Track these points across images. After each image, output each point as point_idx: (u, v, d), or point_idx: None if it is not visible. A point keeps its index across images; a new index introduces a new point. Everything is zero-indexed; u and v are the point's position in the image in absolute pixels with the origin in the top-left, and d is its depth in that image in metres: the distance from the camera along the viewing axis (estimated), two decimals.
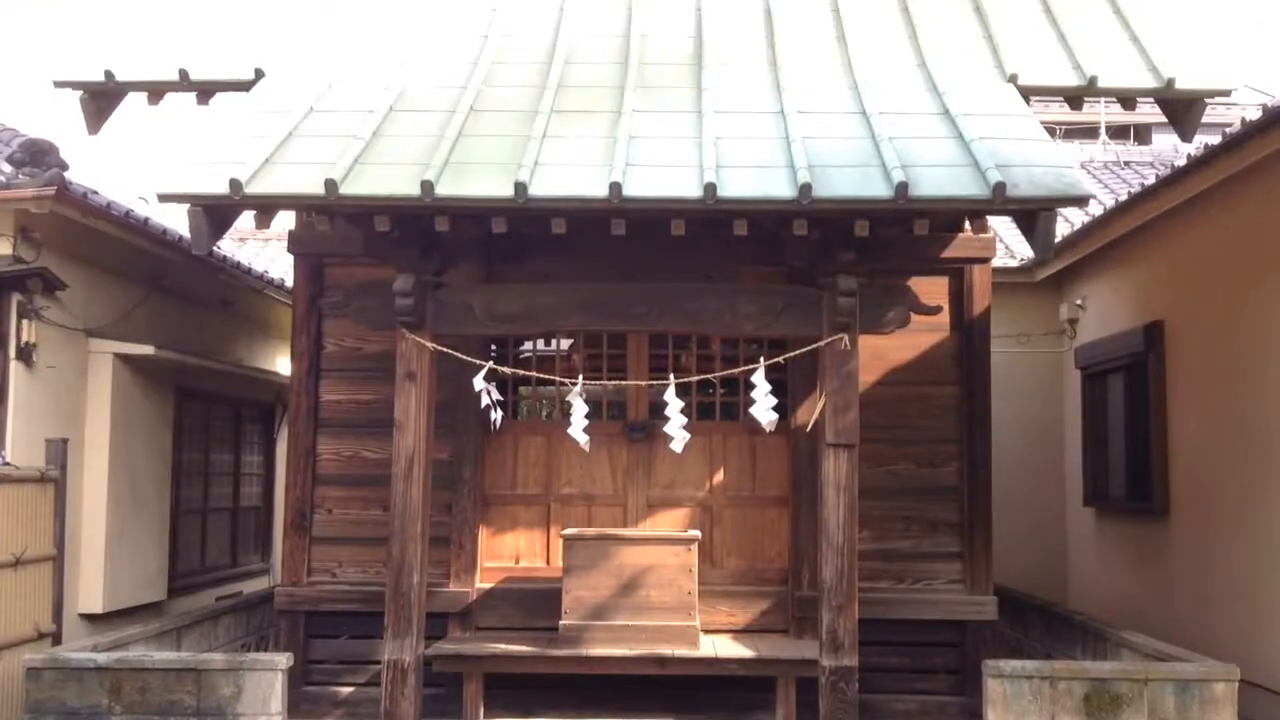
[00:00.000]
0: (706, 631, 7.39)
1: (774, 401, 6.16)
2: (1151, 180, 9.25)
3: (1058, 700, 6.19)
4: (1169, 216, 9.47)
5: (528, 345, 8.09)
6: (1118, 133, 17.06)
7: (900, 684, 7.48)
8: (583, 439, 6.21)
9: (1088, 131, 16.06)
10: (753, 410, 6.18)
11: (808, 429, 6.17)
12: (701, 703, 7.37)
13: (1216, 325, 8.86)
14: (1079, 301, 11.75)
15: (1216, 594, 8.62)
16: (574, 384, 6.15)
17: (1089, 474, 11.40)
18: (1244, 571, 8.24)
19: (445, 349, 6.32)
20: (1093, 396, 11.40)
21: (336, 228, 7.61)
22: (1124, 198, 9.66)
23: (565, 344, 8.14)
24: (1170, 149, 14.81)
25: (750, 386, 7.82)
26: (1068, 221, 12.74)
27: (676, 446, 6.21)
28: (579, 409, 6.13)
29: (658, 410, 7.88)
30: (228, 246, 12.35)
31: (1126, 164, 14.04)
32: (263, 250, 13.91)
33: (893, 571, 7.57)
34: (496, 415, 6.35)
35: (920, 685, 7.52)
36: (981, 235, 7.66)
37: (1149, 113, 17.89)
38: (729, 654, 7.00)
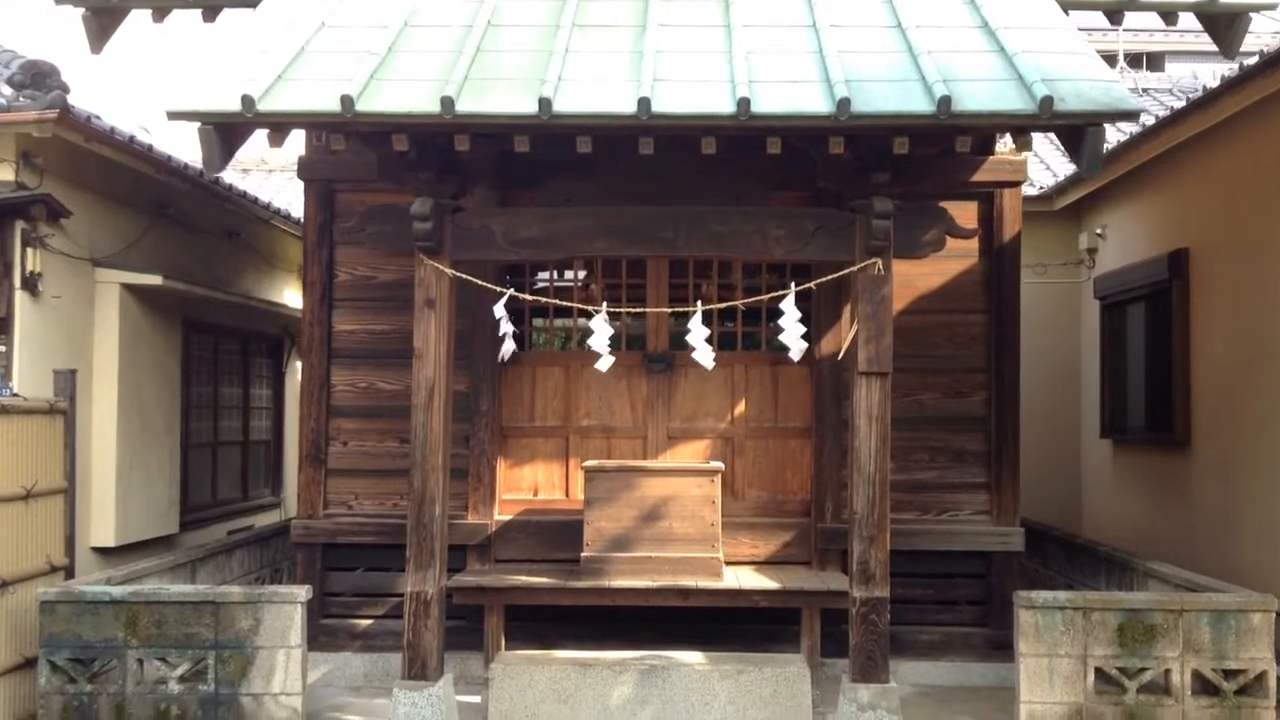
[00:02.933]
0: (728, 564, 7.23)
1: (803, 329, 5.93)
2: (1172, 107, 8.94)
3: (1091, 632, 6.03)
4: (1195, 142, 9.17)
5: (543, 276, 7.83)
6: (1132, 62, 16.68)
7: (924, 615, 7.34)
8: (606, 361, 5.98)
9: (1104, 60, 15.65)
10: (782, 338, 5.95)
11: (839, 357, 5.95)
12: (724, 634, 7.23)
13: (1244, 252, 8.60)
14: (1099, 231, 11.46)
15: (1240, 525, 8.46)
16: (597, 310, 5.91)
17: (1106, 405, 11.20)
18: (1270, 502, 8.06)
19: (465, 275, 6.07)
20: (1112, 327, 11.17)
21: (349, 151, 7.35)
22: (1150, 122, 9.34)
23: (582, 274, 7.89)
24: (1189, 75, 14.44)
25: (773, 316, 7.62)
26: None
27: (707, 362, 5.99)
28: (602, 332, 5.89)
29: (678, 341, 7.69)
30: (231, 177, 12.03)
31: (1145, 91, 13.66)
32: (266, 181, 13.59)
33: (918, 502, 7.39)
34: (508, 347, 6.12)
35: (944, 617, 7.38)
36: (1013, 158, 7.37)
37: (1165, 40, 17.44)
38: (753, 585, 6.84)
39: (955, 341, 7.47)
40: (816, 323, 7.36)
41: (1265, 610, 6.00)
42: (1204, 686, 6.01)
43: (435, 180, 5.96)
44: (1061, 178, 11.63)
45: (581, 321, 7.64)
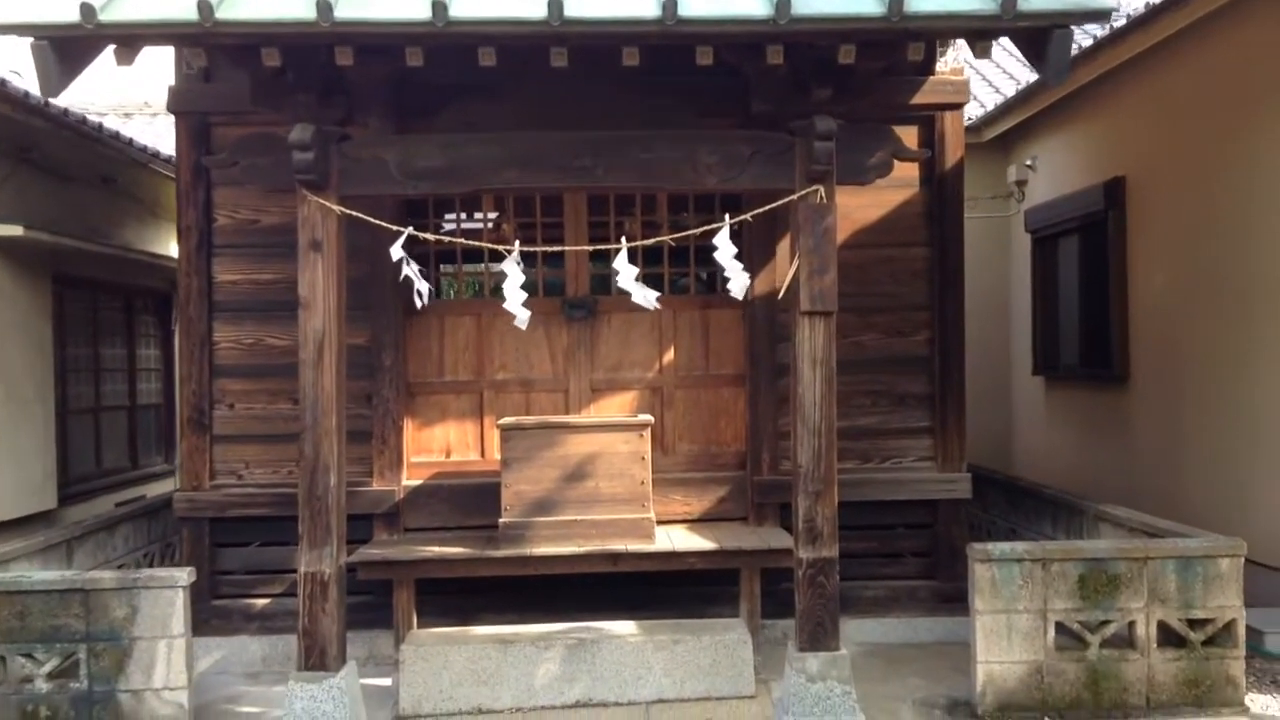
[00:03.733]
0: (660, 523, 6.64)
1: (742, 265, 5.29)
2: (1111, 26, 8.44)
3: (1050, 584, 5.56)
4: (1134, 64, 8.70)
5: (450, 218, 7.08)
6: None
7: (868, 569, 6.84)
8: (521, 314, 5.29)
9: None
10: (730, 280, 5.29)
11: (779, 297, 5.34)
12: (657, 599, 6.66)
13: (1185, 178, 8.18)
14: (1029, 162, 11.01)
15: (1185, 462, 8.11)
16: (509, 250, 5.19)
17: (1039, 341, 10.82)
18: (1217, 438, 7.71)
19: (355, 213, 5.31)
20: (1044, 261, 10.76)
21: (222, 76, 6.52)
22: (1087, 43, 8.84)
23: (492, 216, 7.15)
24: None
25: (702, 256, 6.98)
26: (1013, 79, 11.96)
27: (647, 302, 5.33)
28: (514, 278, 5.19)
29: (600, 285, 7.01)
30: (113, 122, 10.96)
31: None
32: (150, 125, 12.50)
33: (859, 450, 6.85)
34: (422, 287, 5.39)
35: (889, 570, 6.89)
36: (954, 78, 6.79)
37: None
38: (687, 547, 6.25)
39: (896, 278, 6.91)
40: (748, 262, 6.70)
41: (1234, 555, 5.58)
42: (1170, 638, 5.60)
43: (317, 105, 5.17)
44: (990, 108, 11.14)
45: (494, 267, 6.92)
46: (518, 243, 5.23)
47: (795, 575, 5.34)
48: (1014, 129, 11.20)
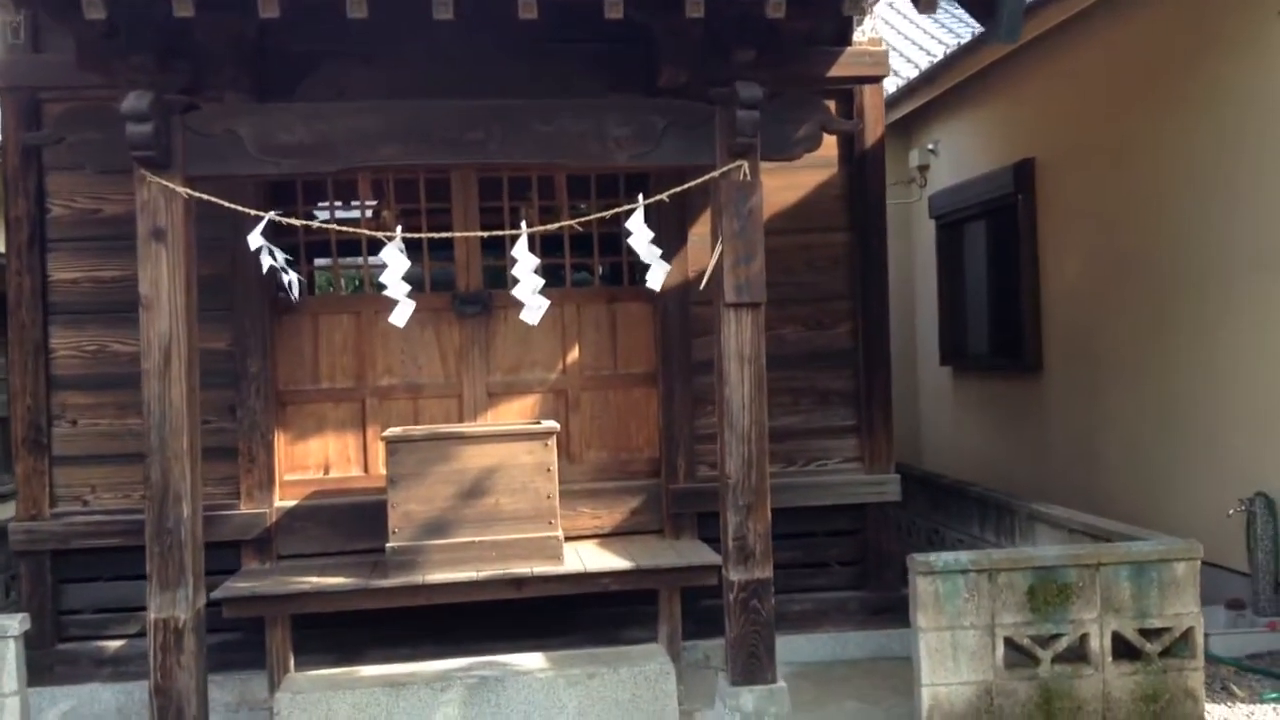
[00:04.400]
0: (568, 539, 5.93)
1: (659, 251, 4.63)
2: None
3: (998, 596, 5.03)
4: (1042, 41, 8.29)
5: (324, 205, 6.26)
6: None
7: (794, 582, 6.23)
8: (403, 308, 4.54)
9: None
10: (650, 272, 4.63)
11: (701, 286, 4.70)
12: (566, 623, 5.97)
13: (1097, 160, 7.80)
14: (930, 146, 10.61)
15: (1102, 454, 7.74)
16: (390, 237, 4.43)
17: (946, 331, 10.42)
18: (1134, 428, 7.34)
19: (203, 195, 4.48)
20: (949, 247, 10.36)
21: (53, 45, 5.60)
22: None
23: (371, 204, 6.35)
24: None
25: (607, 245, 6.32)
26: (910, 62, 11.55)
27: (532, 318, 4.62)
28: (396, 266, 4.43)
29: (494, 278, 6.29)
30: None
31: None
32: None
33: (782, 453, 6.23)
34: (290, 280, 4.60)
35: (816, 582, 6.30)
36: (873, 49, 6.21)
37: None
38: (600, 566, 5.57)
39: (815, 266, 6.33)
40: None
41: (1190, 558, 5.12)
42: (1125, 649, 5.13)
43: (156, 69, 4.33)
44: (890, 91, 10.69)
45: (375, 260, 6.13)
46: (399, 228, 4.47)
47: (725, 598, 4.71)
48: (914, 113, 10.79)
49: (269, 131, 4.48)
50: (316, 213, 6.22)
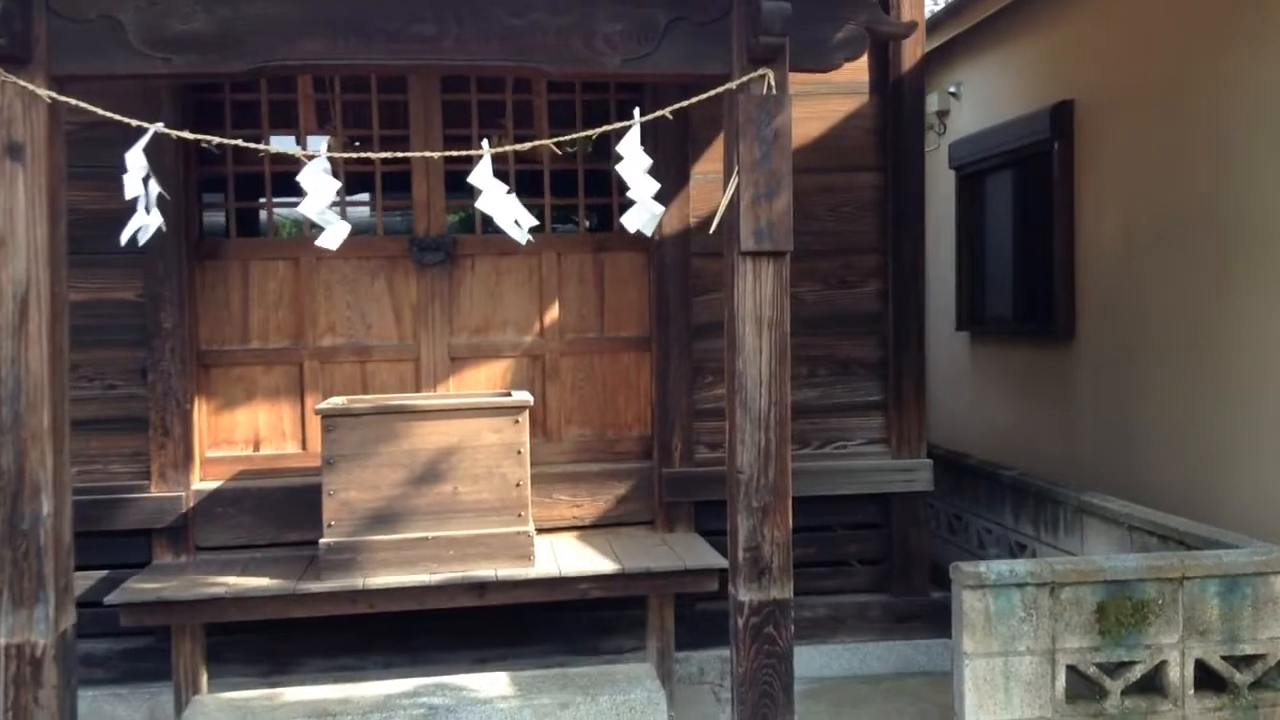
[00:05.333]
0: (542, 531, 4.97)
1: (656, 186, 3.60)
2: None
3: (1061, 616, 4.08)
4: None
5: (255, 129, 5.20)
6: None
7: (806, 583, 5.23)
8: (335, 234, 3.50)
9: None
10: (635, 201, 3.60)
11: (713, 228, 3.68)
12: (538, 629, 5.01)
13: (1146, 102, 6.74)
14: (952, 89, 9.53)
15: (1142, 433, 6.74)
16: (310, 155, 3.38)
17: (964, 293, 9.39)
18: (1183, 405, 6.33)
19: (76, 101, 3.43)
20: (971, 200, 9.30)
21: None
22: None
23: (320, 138, 5.30)
24: None
25: (594, 183, 5.28)
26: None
27: (522, 238, 3.60)
28: (320, 189, 3.39)
29: (461, 222, 5.27)
30: None
31: None
32: None
33: (795, 432, 5.19)
34: (145, 223, 3.56)
35: (831, 583, 5.34)
36: None
37: None
38: (579, 569, 4.59)
39: (840, 212, 5.31)
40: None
41: None
42: (1209, 680, 4.20)
43: None
44: None
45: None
46: (325, 144, 3.43)
47: (732, 623, 3.73)
48: (934, 52, 9.64)
49: (159, 18, 3.41)
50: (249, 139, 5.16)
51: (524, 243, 3.60)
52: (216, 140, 3.49)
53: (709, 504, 5.08)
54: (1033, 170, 8.27)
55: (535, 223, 3.64)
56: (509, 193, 3.51)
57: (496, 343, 5.21)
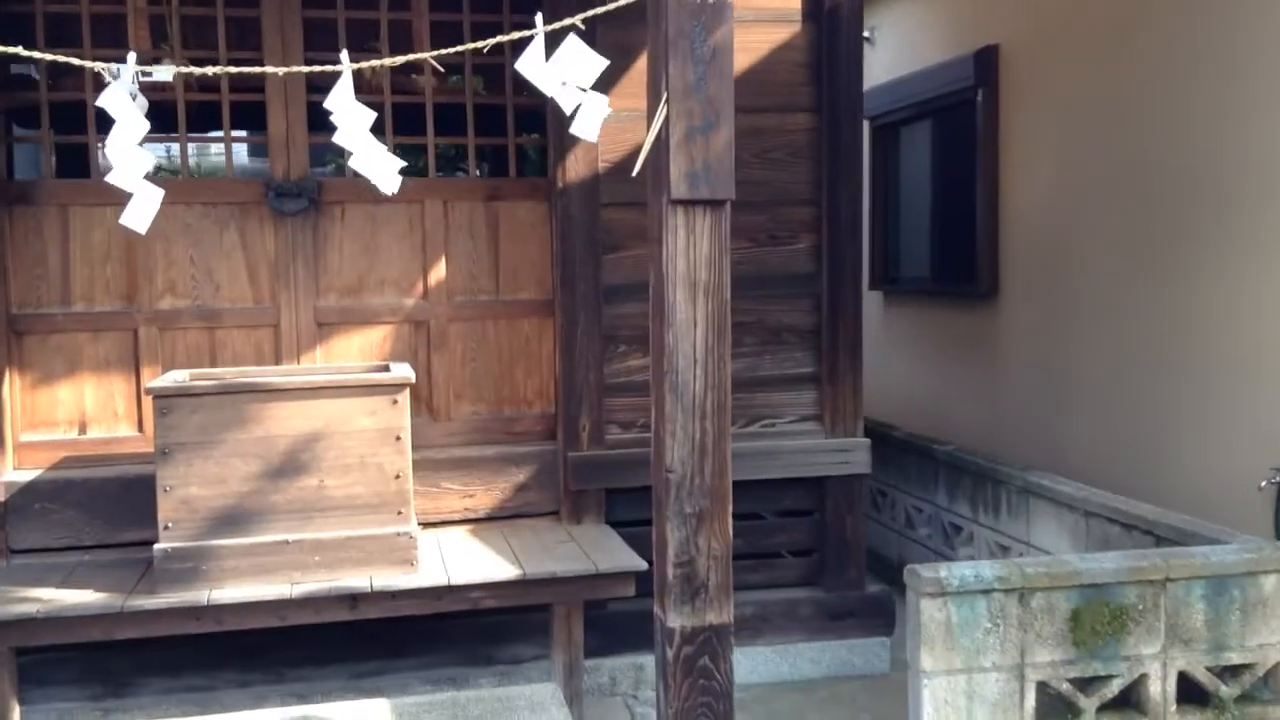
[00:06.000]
0: (429, 524, 4.23)
1: (602, 100, 2.82)
2: None
3: (1030, 625, 3.51)
4: None
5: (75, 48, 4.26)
6: None
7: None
8: (143, 205, 2.66)
9: None
10: (578, 117, 2.81)
11: (635, 170, 2.94)
12: (428, 635, 4.27)
13: (1080, 44, 6.18)
14: (866, 34, 8.90)
15: (1072, 401, 6.25)
16: (107, 69, 2.53)
17: (877, 249, 8.80)
18: (1128, 374, 5.86)
19: None
20: (885, 152, 8.71)
21: None
22: None
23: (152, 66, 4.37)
24: None
25: (487, 119, 4.49)
26: None
27: (388, 186, 2.80)
28: (126, 127, 2.55)
29: (328, 161, 4.42)
30: None
31: None
32: None
33: None
34: None
35: (758, 577, 4.70)
36: None
37: None
38: (470, 575, 3.85)
39: (769, 159, 4.61)
40: (555, 124, 4.30)
41: None
42: (1191, 692, 3.69)
43: None
44: None
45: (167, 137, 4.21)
46: (132, 56, 2.57)
47: (659, 654, 3.04)
48: None
49: None
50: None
51: (388, 192, 2.80)
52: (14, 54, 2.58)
53: (622, 492, 4.40)
54: (954, 120, 7.70)
55: (403, 164, 2.84)
56: (371, 130, 2.71)
57: (373, 306, 4.40)
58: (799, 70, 4.60)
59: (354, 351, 4.38)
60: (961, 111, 7.54)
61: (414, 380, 3.84)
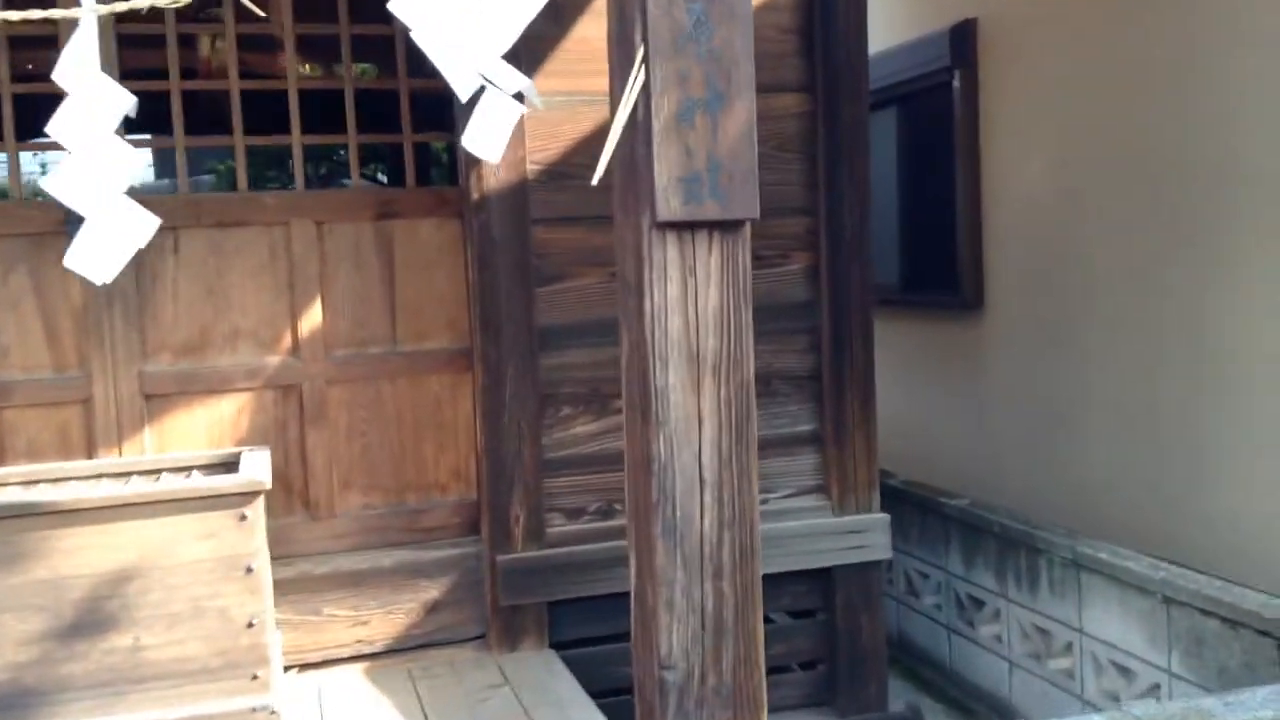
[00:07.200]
0: (307, 667, 3.01)
1: (524, 81, 1.64)
2: None
3: None
4: None
5: None
6: None
7: None
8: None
9: None
10: (476, 115, 1.62)
11: (596, 178, 1.79)
12: None
13: (1070, 16, 5.16)
14: None
15: (1083, 427, 5.17)
16: None
17: None
18: (1143, 392, 4.79)
19: None
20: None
21: None
22: None
23: None
24: None
25: (373, 110, 3.30)
26: None
27: (137, 236, 1.60)
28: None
29: (162, 169, 3.16)
30: None
31: None
32: None
33: None
34: None
35: None
36: None
37: None
38: None
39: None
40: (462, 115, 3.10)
41: None
42: None
43: None
44: None
45: None
46: None
47: None
48: None
49: None
50: None
51: (102, 280, 1.61)
52: None
53: (571, 603, 3.23)
54: (926, 105, 6.63)
55: (129, 183, 1.65)
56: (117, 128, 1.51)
57: (221, 369, 3.16)
58: (786, 37, 3.48)
59: (197, 432, 3.13)
60: (935, 96, 6.47)
61: (266, 486, 2.61)
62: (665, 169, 1.67)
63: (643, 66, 1.65)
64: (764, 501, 3.49)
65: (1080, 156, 5.03)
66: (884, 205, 7.20)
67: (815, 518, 3.52)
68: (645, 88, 1.66)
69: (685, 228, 1.70)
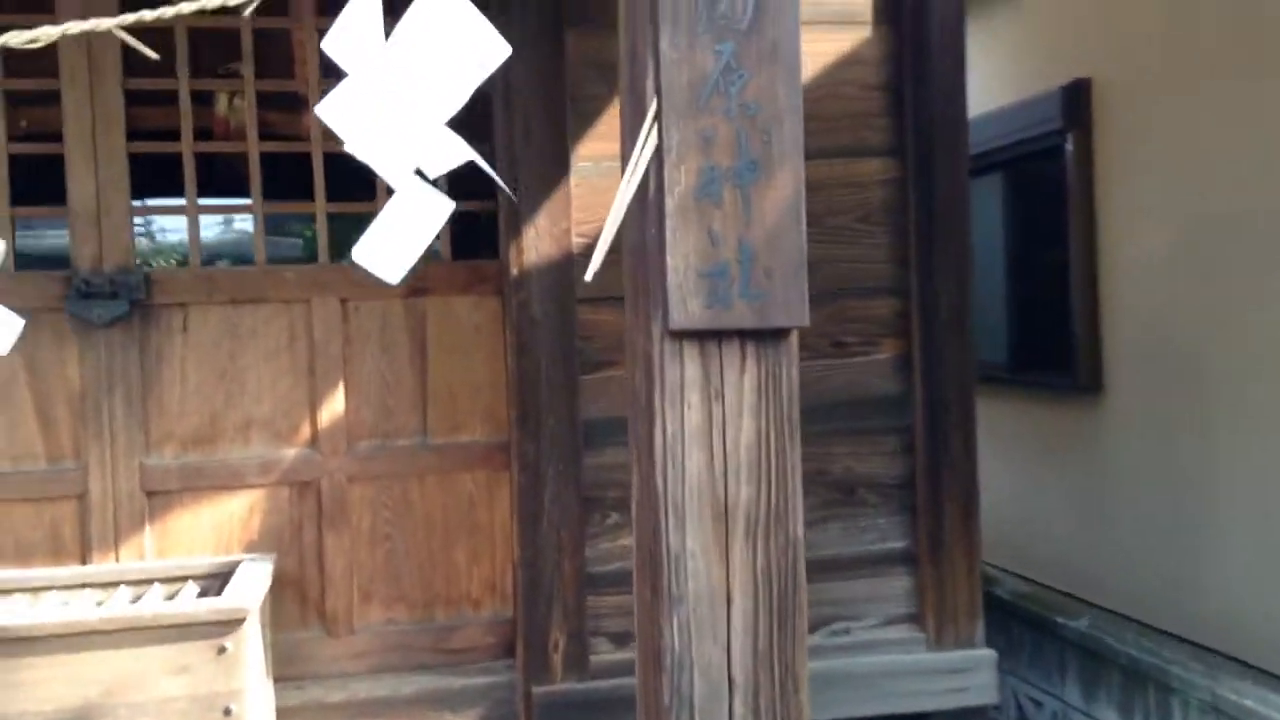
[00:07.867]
0: None
1: (458, 151, 1.24)
2: None
3: None
4: None
5: None
6: None
7: None
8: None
9: None
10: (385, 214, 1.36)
11: (589, 274, 1.37)
12: None
13: (1195, 76, 4.59)
14: None
15: (1220, 530, 4.51)
16: None
17: None
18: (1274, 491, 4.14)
19: None
20: None
21: None
22: None
23: None
24: None
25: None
26: None
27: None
28: None
29: (160, 247, 2.87)
30: None
31: None
32: None
33: None
34: None
35: None
36: None
37: None
38: None
39: (829, 226, 3.02)
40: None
41: None
42: None
43: None
44: None
45: None
46: None
47: None
48: None
49: None
50: None
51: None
52: None
53: None
54: (1036, 171, 6.06)
55: (18, 326, 1.28)
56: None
57: (231, 462, 2.81)
58: (870, 95, 3.02)
59: (202, 534, 2.78)
60: (1045, 160, 5.92)
61: (252, 611, 2.22)
62: (682, 259, 1.23)
63: (655, 125, 1.23)
64: (847, 632, 2.99)
65: (1210, 225, 4.43)
66: (988, 279, 6.62)
67: (907, 652, 2.99)
68: (658, 152, 1.24)
69: (709, 337, 1.26)
